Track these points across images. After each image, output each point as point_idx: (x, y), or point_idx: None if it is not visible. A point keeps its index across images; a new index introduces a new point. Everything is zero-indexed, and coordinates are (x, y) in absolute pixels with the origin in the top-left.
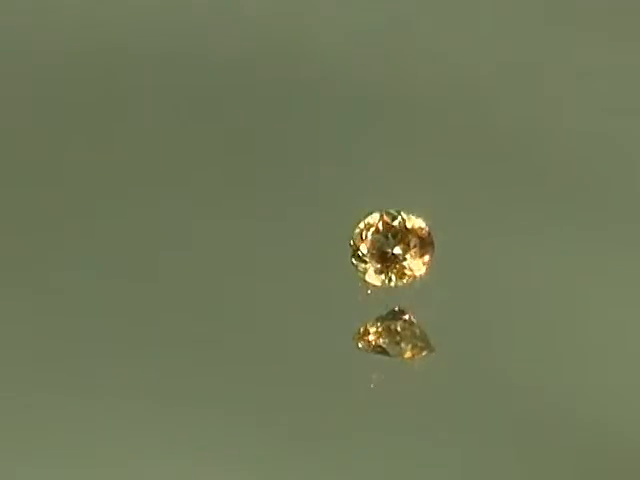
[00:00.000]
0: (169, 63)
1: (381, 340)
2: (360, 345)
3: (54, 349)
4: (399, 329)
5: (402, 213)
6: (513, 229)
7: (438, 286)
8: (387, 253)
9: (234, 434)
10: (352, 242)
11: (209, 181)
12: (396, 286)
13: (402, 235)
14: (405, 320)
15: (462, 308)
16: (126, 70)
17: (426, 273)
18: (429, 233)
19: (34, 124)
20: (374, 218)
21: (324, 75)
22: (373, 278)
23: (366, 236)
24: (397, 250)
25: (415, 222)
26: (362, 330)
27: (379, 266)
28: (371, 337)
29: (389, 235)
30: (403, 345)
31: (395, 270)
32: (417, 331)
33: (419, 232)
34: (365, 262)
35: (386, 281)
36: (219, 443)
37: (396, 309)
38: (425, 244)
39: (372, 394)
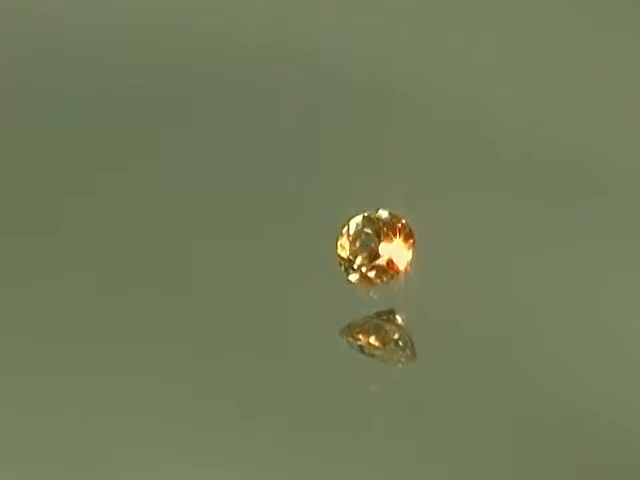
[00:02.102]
0: (171, 63)
1: (364, 340)
2: (347, 342)
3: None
4: (384, 331)
5: (386, 212)
6: (511, 229)
7: (431, 286)
8: (372, 253)
9: (228, 430)
10: (338, 243)
11: (207, 181)
12: (381, 284)
13: (385, 234)
14: (391, 322)
15: (459, 308)
16: (128, 71)
17: (410, 271)
18: (412, 231)
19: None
20: (359, 218)
21: (323, 75)
22: (359, 278)
23: (351, 236)
24: (381, 249)
25: (399, 220)
26: (347, 329)
27: (365, 266)
28: (356, 335)
29: (373, 235)
30: (387, 347)
31: (380, 269)
32: (402, 334)
33: (402, 230)
34: (351, 262)
35: (371, 280)
36: (213, 440)
37: (383, 310)
38: (409, 242)
39: (364, 392)
